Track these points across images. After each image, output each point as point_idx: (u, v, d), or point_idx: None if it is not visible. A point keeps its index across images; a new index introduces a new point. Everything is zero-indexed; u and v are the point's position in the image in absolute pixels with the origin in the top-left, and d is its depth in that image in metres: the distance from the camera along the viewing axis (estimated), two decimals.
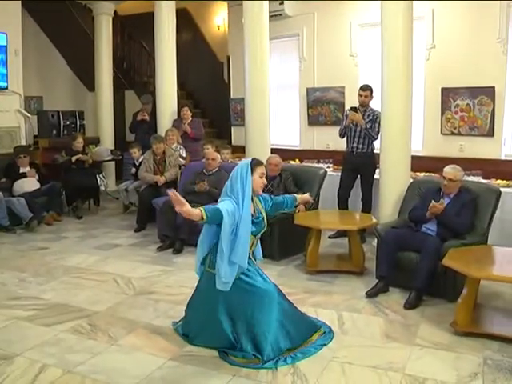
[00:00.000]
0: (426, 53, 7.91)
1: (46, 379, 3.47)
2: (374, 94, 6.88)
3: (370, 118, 6.79)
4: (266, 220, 3.99)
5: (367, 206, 6.87)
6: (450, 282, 4.71)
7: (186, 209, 3.49)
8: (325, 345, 3.94)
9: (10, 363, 3.70)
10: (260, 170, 3.92)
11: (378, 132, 6.60)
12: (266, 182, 4.01)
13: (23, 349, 3.91)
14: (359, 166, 6.90)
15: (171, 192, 3.47)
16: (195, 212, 3.54)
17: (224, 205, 3.68)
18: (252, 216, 3.84)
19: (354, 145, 6.90)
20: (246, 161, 3.94)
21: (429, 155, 7.87)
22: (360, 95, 6.91)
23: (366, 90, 6.89)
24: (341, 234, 6.82)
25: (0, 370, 3.59)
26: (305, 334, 3.97)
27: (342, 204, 7.00)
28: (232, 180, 3.84)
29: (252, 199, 3.88)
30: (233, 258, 3.67)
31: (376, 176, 6.83)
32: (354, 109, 6.85)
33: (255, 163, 3.92)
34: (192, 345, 3.96)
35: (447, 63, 7.69)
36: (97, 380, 3.47)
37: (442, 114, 7.84)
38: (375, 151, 6.87)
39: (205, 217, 3.56)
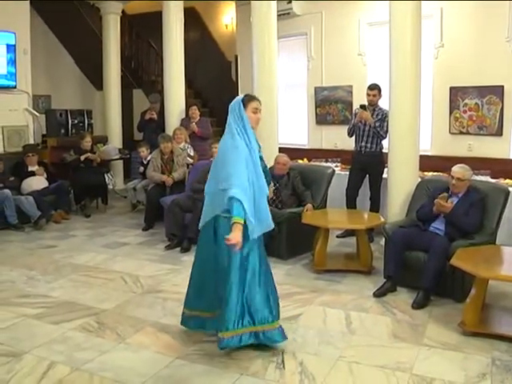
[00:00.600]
0: (434, 51, 7.89)
1: (55, 376, 3.49)
2: (382, 93, 6.85)
3: (379, 117, 6.76)
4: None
5: (375, 206, 6.84)
6: (458, 281, 4.69)
7: (238, 241, 3.45)
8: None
9: (19, 360, 3.72)
10: (252, 105, 3.86)
11: (387, 131, 6.58)
12: (260, 117, 3.91)
13: (31, 346, 3.93)
14: (367, 166, 6.88)
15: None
16: (240, 229, 3.49)
17: (235, 182, 3.59)
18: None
19: (363, 144, 6.87)
20: (238, 97, 3.91)
21: (437, 154, 7.86)
22: (368, 94, 6.88)
23: (374, 89, 6.85)
24: (349, 233, 6.80)
25: (9, 367, 3.61)
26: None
27: (350, 203, 6.98)
28: (229, 126, 3.84)
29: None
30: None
31: (384, 175, 6.82)
32: (363, 107, 6.83)
33: (247, 99, 3.88)
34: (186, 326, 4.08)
35: (456, 62, 7.67)
36: (105, 378, 3.48)
37: (451, 113, 7.82)
38: (383, 151, 6.85)
39: (242, 221, 3.53)
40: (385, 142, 6.77)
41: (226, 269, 3.73)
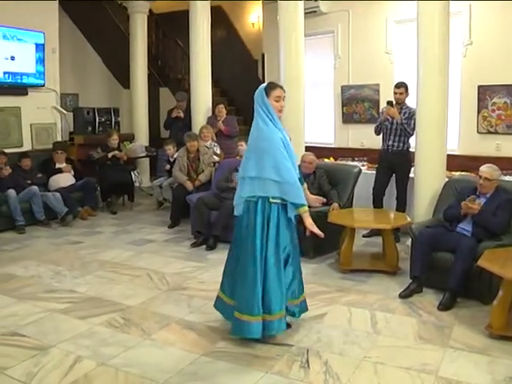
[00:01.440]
0: (462, 49, 7.81)
1: (81, 371, 3.53)
2: (409, 91, 6.80)
3: (406, 115, 6.70)
4: None
5: (401, 205, 6.78)
6: (485, 283, 4.62)
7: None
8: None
9: (46, 354, 3.77)
10: (275, 93, 3.90)
11: (414, 129, 6.54)
12: (283, 104, 3.96)
13: (58, 340, 3.98)
14: (394, 164, 6.82)
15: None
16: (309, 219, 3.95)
17: (284, 167, 3.78)
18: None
19: (390, 142, 6.82)
20: (261, 86, 3.98)
21: (464, 154, 7.77)
22: (395, 93, 6.83)
23: (401, 87, 6.79)
24: (374, 232, 6.76)
25: (36, 361, 3.66)
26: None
27: (377, 203, 6.93)
28: (258, 113, 3.93)
29: None
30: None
31: (411, 175, 6.76)
32: (390, 103, 6.78)
33: (269, 87, 3.93)
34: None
35: (484, 60, 7.57)
36: (130, 373, 3.50)
37: (479, 112, 7.73)
38: (410, 149, 6.78)
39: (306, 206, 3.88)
40: (412, 141, 6.71)
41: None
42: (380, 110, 7.35)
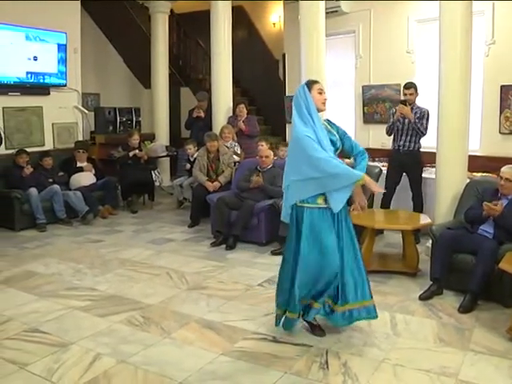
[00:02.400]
0: (485, 49, 7.70)
1: (100, 368, 3.56)
2: (418, 92, 6.79)
3: (418, 115, 6.66)
4: (339, 141, 4.01)
5: (418, 206, 6.75)
6: (506, 286, 4.56)
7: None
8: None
9: (66, 351, 3.80)
10: (317, 86, 3.93)
11: (427, 128, 6.51)
12: (326, 97, 3.97)
13: (78, 337, 4.02)
14: (406, 165, 6.77)
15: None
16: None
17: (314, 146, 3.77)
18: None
19: (401, 142, 6.79)
20: (301, 84, 4.01)
21: (486, 155, 7.67)
22: (405, 94, 6.82)
23: (410, 87, 6.77)
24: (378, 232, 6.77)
25: (56, 357, 3.70)
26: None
27: (386, 203, 6.88)
28: (296, 108, 3.91)
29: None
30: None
31: (429, 175, 6.72)
32: (403, 102, 6.74)
33: (310, 82, 3.97)
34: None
35: (507, 60, 7.47)
36: (149, 371, 3.52)
37: (501, 112, 7.63)
38: (421, 149, 6.78)
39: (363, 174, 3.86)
40: (424, 142, 6.68)
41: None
42: (391, 111, 7.30)
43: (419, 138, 6.74)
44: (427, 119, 6.59)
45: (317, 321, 4.11)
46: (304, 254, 3.87)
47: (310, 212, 3.87)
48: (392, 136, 6.94)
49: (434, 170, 6.50)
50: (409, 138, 6.74)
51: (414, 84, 6.81)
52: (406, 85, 6.85)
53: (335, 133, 4.01)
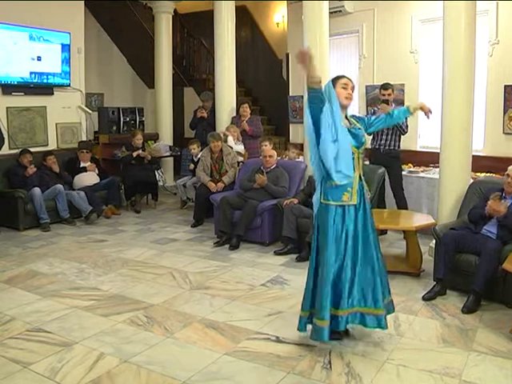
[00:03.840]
0: (489, 48, 7.69)
1: (104, 367, 3.56)
2: (395, 92, 7.04)
3: None
4: (366, 139, 3.92)
5: (402, 205, 6.86)
6: (510, 286, 4.56)
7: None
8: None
9: (70, 350, 3.81)
10: (341, 81, 3.85)
11: (407, 126, 6.63)
12: (351, 92, 3.84)
13: (82, 337, 4.02)
14: (386, 164, 6.79)
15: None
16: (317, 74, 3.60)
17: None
18: (348, 128, 3.82)
19: (382, 142, 6.89)
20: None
21: (490, 155, 7.65)
22: (383, 94, 6.97)
23: (388, 88, 6.96)
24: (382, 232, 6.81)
25: (60, 356, 3.71)
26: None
27: (380, 202, 6.89)
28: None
29: (346, 117, 3.88)
30: (338, 167, 3.72)
31: (433, 176, 6.71)
32: (385, 101, 6.79)
33: (337, 77, 3.91)
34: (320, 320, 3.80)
35: (511, 59, 7.46)
36: (152, 371, 3.52)
37: (505, 112, 7.61)
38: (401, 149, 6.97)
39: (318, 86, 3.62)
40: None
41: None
42: (369, 111, 7.35)
43: (399, 137, 6.85)
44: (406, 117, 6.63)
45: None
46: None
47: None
48: (371, 136, 6.97)
49: (437, 170, 6.50)
50: (389, 137, 6.86)
51: (392, 85, 7.04)
52: (384, 86, 7.02)
53: (360, 127, 3.91)
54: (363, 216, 3.84)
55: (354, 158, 3.78)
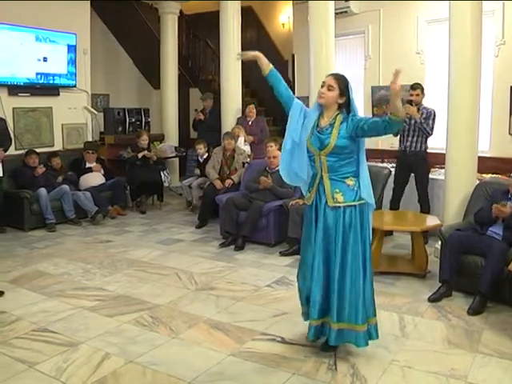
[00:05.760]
0: (495, 49, 7.68)
1: (109, 367, 3.57)
2: (425, 92, 6.77)
3: (424, 115, 6.64)
4: (333, 142, 3.62)
5: (425, 207, 6.74)
6: None
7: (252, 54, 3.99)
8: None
9: (75, 350, 3.82)
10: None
11: (433, 128, 6.49)
12: (322, 91, 3.70)
13: (87, 337, 4.03)
14: (412, 165, 6.77)
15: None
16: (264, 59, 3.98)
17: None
18: (318, 127, 3.73)
19: (408, 143, 6.78)
20: None
21: (496, 156, 7.65)
22: (411, 94, 6.77)
23: (417, 88, 6.74)
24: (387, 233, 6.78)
25: (65, 357, 3.71)
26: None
27: (394, 204, 6.88)
28: None
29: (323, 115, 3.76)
30: (293, 164, 3.84)
31: (438, 176, 6.69)
32: (409, 102, 6.72)
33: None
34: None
35: None
36: (157, 371, 3.53)
37: (511, 113, 7.61)
38: (428, 150, 6.77)
39: (269, 70, 3.98)
40: (434, 143, 6.66)
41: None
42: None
43: (426, 139, 6.72)
44: (433, 119, 6.57)
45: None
46: None
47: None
48: (398, 137, 6.93)
49: (443, 171, 6.49)
50: (415, 138, 6.73)
51: (421, 85, 6.78)
52: (412, 85, 6.81)
53: (336, 128, 3.64)
54: (325, 218, 3.67)
55: (314, 160, 3.71)
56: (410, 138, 6.76)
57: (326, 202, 3.66)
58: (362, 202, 3.66)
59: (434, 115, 6.60)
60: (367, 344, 3.69)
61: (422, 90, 6.76)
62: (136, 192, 8.87)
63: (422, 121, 6.61)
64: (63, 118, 9.01)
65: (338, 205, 3.62)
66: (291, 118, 3.81)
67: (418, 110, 6.69)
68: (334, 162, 3.64)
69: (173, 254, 6.39)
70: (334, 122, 3.68)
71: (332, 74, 3.83)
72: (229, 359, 3.71)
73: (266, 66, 3.93)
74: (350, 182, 3.65)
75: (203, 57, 12.43)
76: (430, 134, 6.65)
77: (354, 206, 3.63)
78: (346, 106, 3.74)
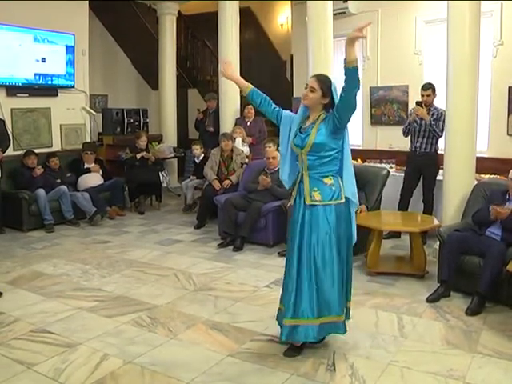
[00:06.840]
0: (493, 50, 7.67)
1: (107, 368, 3.56)
2: (436, 93, 6.72)
3: (435, 116, 6.62)
4: (312, 139, 3.63)
5: (428, 208, 6.72)
6: None
7: (230, 74, 3.93)
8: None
9: (73, 351, 3.81)
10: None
11: (443, 129, 6.46)
12: (305, 92, 3.73)
13: (86, 338, 4.02)
14: (422, 166, 6.76)
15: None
16: (241, 81, 3.96)
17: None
18: (301, 128, 3.77)
19: (418, 144, 6.75)
20: None
21: (494, 156, 7.63)
22: (422, 95, 6.73)
23: (428, 89, 6.70)
24: (392, 234, 6.76)
25: (64, 357, 3.71)
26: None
27: (403, 205, 6.87)
28: None
29: (320, 116, 3.73)
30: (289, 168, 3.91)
31: (440, 177, 6.68)
32: (419, 103, 6.70)
33: None
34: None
35: None
36: (156, 372, 3.52)
37: (509, 113, 7.59)
38: (439, 152, 6.71)
39: (248, 90, 3.94)
40: (440, 144, 6.63)
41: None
42: (408, 112, 7.26)
43: (436, 140, 6.69)
44: (443, 120, 6.46)
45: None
46: None
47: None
48: (409, 137, 6.92)
49: (441, 171, 6.48)
50: (425, 139, 6.71)
51: (433, 85, 6.74)
52: (423, 86, 6.78)
53: (315, 129, 3.67)
54: (303, 216, 3.69)
55: (298, 159, 3.77)
56: (420, 139, 6.74)
57: (304, 200, 3.69)
58: (340, 201, 3.68)
59: (445, 116, 6.56)
60: (346, 330, 3.77)
61: (434, 90, 6.72)
62: (134, 193, 8.86)
63: (433, 122, 6.61)
64: (62, 119, 9.01)
65: (315, 203, 3.65)
66: (281, 131, 3.93)
67: (429, 110, 6.68)
68: (313, 161, 3.68)
69: (171, 255, 6.38)
70: (316, 122, 3.72)
71: (314, 76, 3.83)
72: (227, 360, 3.71)
73: (245, 86, 3.94)
74: (329, 180, 3.68)
75: (202, 57, 12.45)
76: (439, 136, 6.62)
77: (331, 205, 3.65)
78: (331, 106, 3.72)
